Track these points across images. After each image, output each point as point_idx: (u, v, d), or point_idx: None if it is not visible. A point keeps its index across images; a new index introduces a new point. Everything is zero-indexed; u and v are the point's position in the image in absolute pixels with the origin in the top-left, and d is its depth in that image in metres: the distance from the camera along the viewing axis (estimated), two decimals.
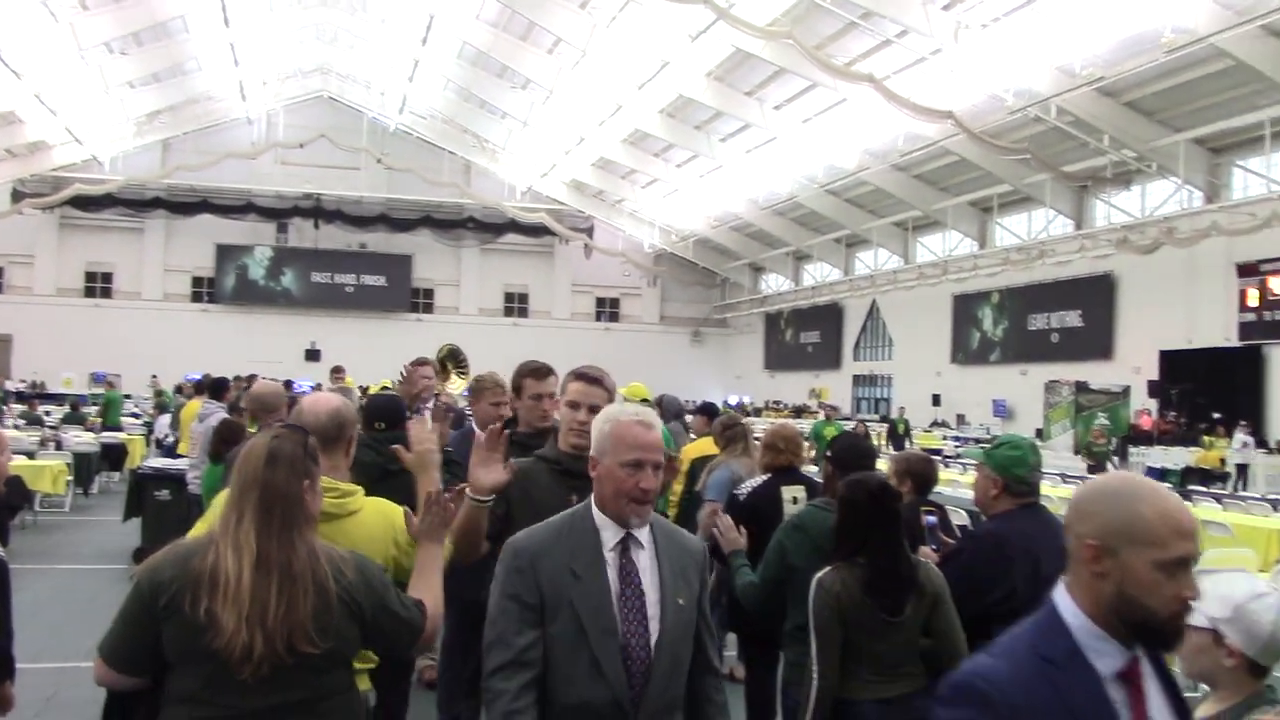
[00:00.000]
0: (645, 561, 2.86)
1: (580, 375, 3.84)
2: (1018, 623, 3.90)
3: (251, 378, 17.13)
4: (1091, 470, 20.36)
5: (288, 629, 2.55)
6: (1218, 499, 15.90)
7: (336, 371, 11.92)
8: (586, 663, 2.75)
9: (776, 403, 45.07)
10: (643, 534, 2.88)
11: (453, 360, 8.87)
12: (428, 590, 3.02)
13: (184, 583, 2.57)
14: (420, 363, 7.63)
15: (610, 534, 2.85)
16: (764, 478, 5.67)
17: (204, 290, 48.36)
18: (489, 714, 2.76)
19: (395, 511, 3.34)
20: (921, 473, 5.13)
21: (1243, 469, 22.45)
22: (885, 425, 30.57)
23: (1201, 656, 2.55)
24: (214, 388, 10.99)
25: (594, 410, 3.50)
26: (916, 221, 37.10)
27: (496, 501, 3.74)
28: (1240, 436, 22.94)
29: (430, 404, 7.21)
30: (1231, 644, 2.51)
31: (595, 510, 2.89)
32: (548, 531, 2.90)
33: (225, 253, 48.07)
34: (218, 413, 9.44)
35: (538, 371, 4.58)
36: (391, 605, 2.77)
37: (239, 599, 2.54)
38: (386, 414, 4.87)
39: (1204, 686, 2.64)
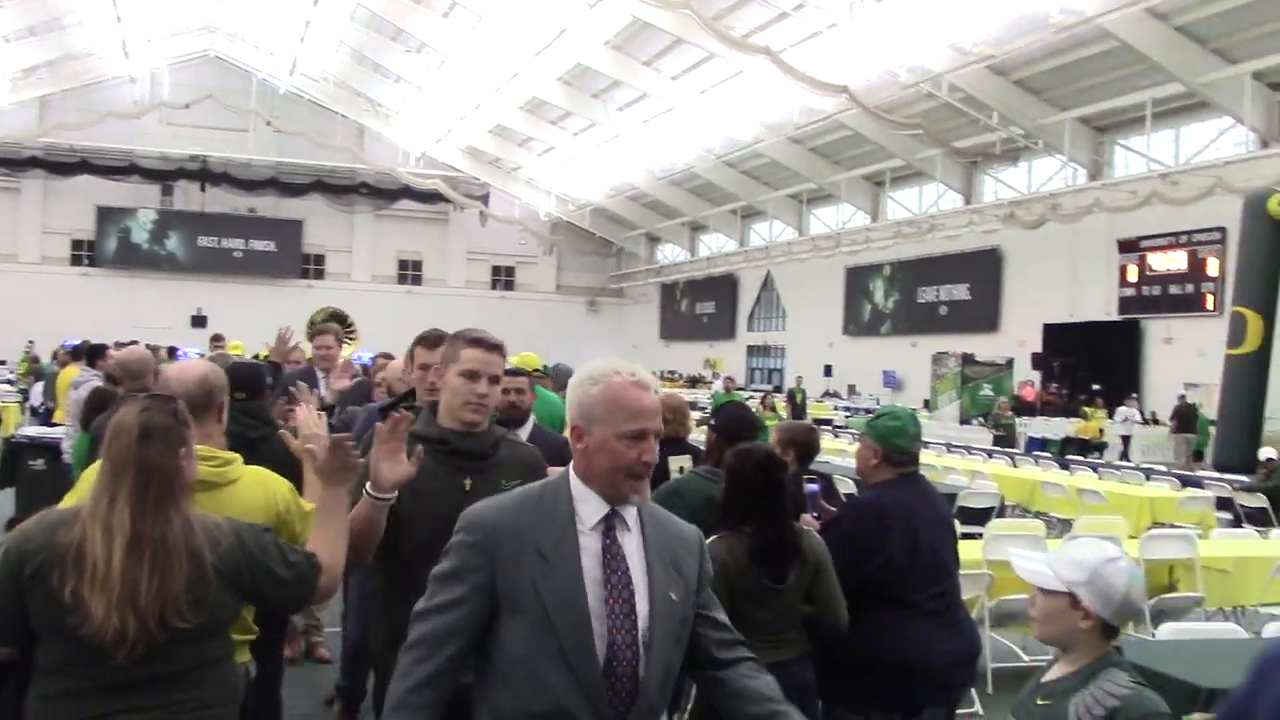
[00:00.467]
0: (632, 546, 2.43)
1: (477, 340, 3.34)
2: (894, 590, 4.03)
3: (133, 344, 16.65)
4: (998, 442, 20.87)
5: (160, 605, 2.50)
6: (1094, 468, 16.45)
7: (216, 339, 11.53)
8: (554, 663, 2.33)
9: (672, 373, 45.30)
10: (630, 514, 2.45)
11: (339, 324, 8.60)
12: (327, 541, 2.94)
13: (50, 554, 2.52)
14: (319, 331, 7.38)
15: (591, 510, 2.42)
16: None
17: (84, 253, 46.84)
18: (390, 689, 2.42)
19: (277, 481, 3.29)
20: (804, 442, 5.19)
21: (1127, 440, 23.20)
22: (785, 396, 30.92)
23: (1058, 620, 2.65)
24: (90, 354, 10.64)
25: (495, 381, 3.34)
26: (811, 194, 37.50)
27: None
28: (1123, 409, 23.69)
29: (333, 375, 6.98)
30: (1088, 606, 2.60)
31: (575, 481, 2.46)
32: (513, 502, 2.49)
33: (107, 215, 46.58)
34: (93, 380, 9.15)
35: (428, 339, 4.33)
36: (273, 568, 2.72)
37: (109, 584, 2.48)
38: (247, 383, 4.75)
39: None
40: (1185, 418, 22.34)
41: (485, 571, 2.38)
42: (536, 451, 3.63)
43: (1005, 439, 21.42)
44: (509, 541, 2.39)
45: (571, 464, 2.48)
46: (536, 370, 9.12)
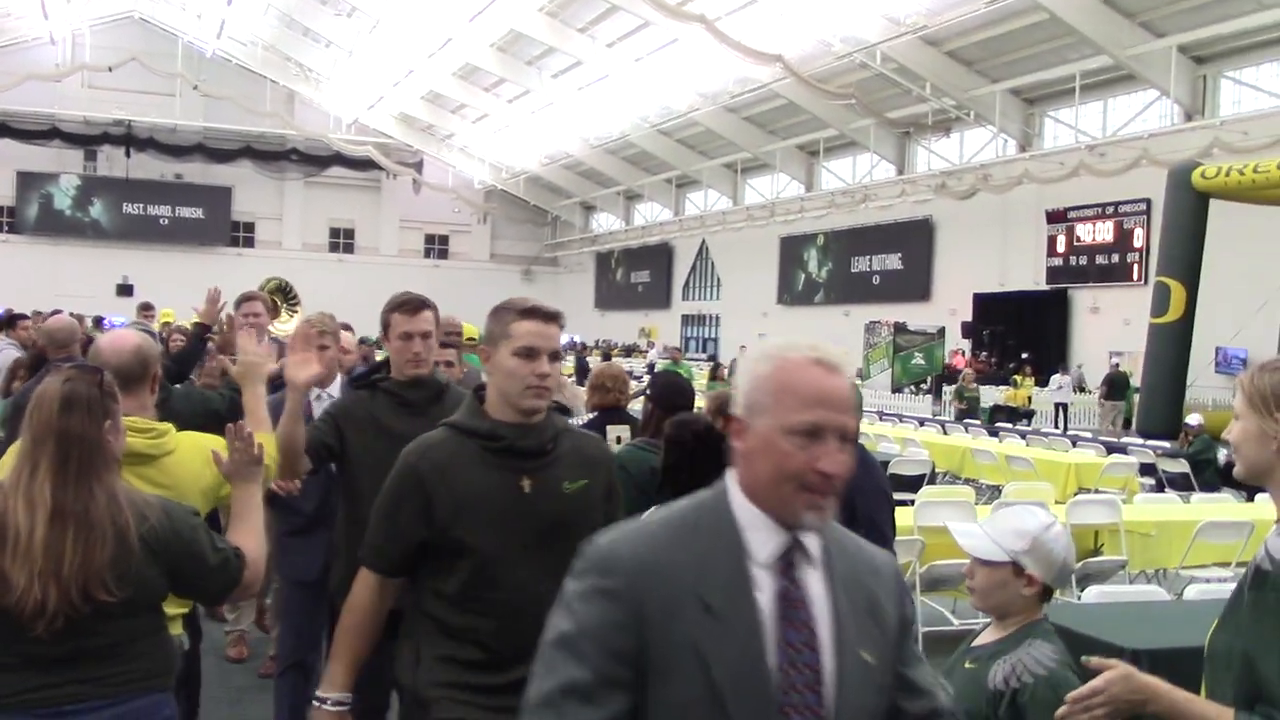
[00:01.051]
0: (818, 588, 1.76)
1: (531, 311, 2.86)
2: None
3: (55, 313, 16.32)
4: (961, 416, 20.81)
5: (83, 579, 2.46)
6: (1022, 435, 16.75)
7: (145, 308, 11.24)
8: None
9: (606, 342, 45.31)
10: (813, 542, 1.77)
11: (282, 295, 8.33)
12: (246, 535, 2.90)
13: None
14: (247, 298, 6.74)
15: (763, 540, 1.75)
16: (590, 416, 5.71)
17: (4, 220, 45.73)
18: None
19: (211, 441, 3.24)
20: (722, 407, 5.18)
21: (1063, 408, 23.55)
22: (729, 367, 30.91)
23: (1001, 589, 2.69)
24: (6, 323, 10.39)
25: (556, 358, 2.88)
26: (746, 163, 37.58)
27: (324, 421, 3.75)
28: (1058, 378, 24.06)
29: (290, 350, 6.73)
30: (1031, 573, 2.65)
31: (739, 498, 1.80)
32: (659, 531, 1.80)
33: (27, 180, 45.50)
34: (8, 349, 8.97)
35: (407, 305, 3.78)
36: (201, 552, 2.67)
37: (30, 555, 2.44)
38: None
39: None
40: (1116, 386, 22.74)
41: (632, 632, 1.68)
42: (602, 442, 3.24)
43: (968, 411, 21.18)
44: (660, 585, 1.70)
45: (733, 473, 1.85)
46: (470, 339, 9.05)
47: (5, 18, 39.71)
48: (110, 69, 41.07)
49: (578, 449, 2.95)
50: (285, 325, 7.70)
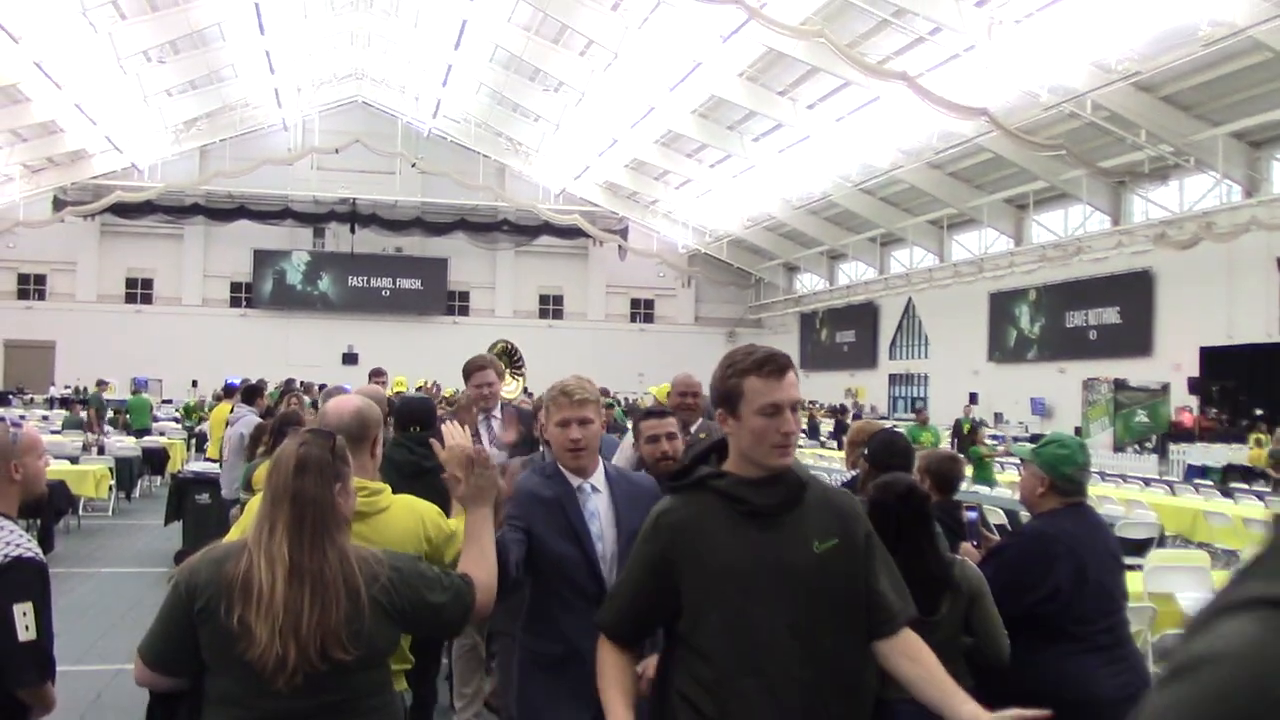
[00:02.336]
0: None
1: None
2: (1061, 622, 3.92)
3: (288, 383, 17.32)
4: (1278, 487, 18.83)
5: (321, 637, 2.58)
6: (1259, 496, 15.75)
7: (377, 374, 11.60)
8: None
9: (813, 402, 44.91)
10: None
11: (508, 359, 8.00)
12: (477, 560, 3.01)
13: (219, 587, 2.62)
14: (478, 367, 6.46)
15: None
16: (851, 475, 5.70)
17: (242, 295, 48.74)
18: None
19: (425, 507, 3.38)
20: (940, 472, 5.06)
21: None
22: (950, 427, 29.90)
23: None
24: (246, 393, 11.18)
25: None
26: (952, 219, 36.88)
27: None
28: None
29: (496, 412, 6.41)
30: None
31: None
32: None
33: (263, 258, 48.45)
34: (249, 416, 9.56)
35: (768, 364, 2.78)
36: (429, 597, 2.78)
37: (273, 610, 2.57)
38: (420, 416, 4.93)
39: None
40: None
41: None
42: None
43: None
44: None
45: None
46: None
47: (244, 108, 42.69)
48: (336, 151, 43.65)
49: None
50: (508, 391, 7.54)
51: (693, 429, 5.96)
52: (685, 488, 2.75)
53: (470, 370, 6.46)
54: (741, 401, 2.67)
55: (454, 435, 3.42)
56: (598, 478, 3.69)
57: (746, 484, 2.66)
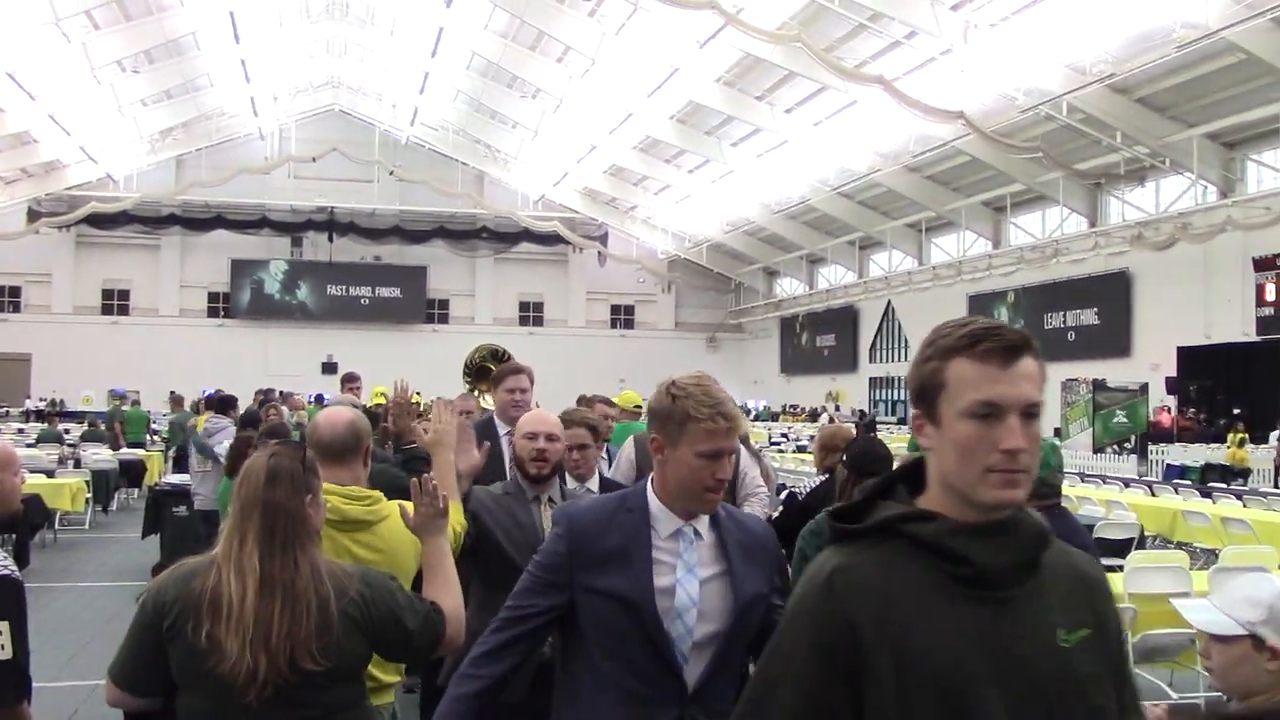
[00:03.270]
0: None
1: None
2: None
3: (268, 392, 17.23)
4: None
5: (290, 647, 2.55)
6: (1237, 495, 15.82)
7: (350, 380, 11.20)
8: None
9: (793, 406, 45.00)
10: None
11: (495, 362, 7.07)
12: (441, 589, 2.97)
13: (186, 604, 2.59)
14: (513, 370, 5.73)
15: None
16: (823, 478, 5.72)
17: (220, 305, 48.58)
18: None
19: None
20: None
21: None
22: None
23: (1243, 666, 2.44)
24: (220, 404, 11.11)
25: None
26: (930, 222, 37.02)
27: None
28: (1276, 434, 22.69)
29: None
30: (1275, 644, 2.39)
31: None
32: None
33: (240, 267, 48.27)
34: (229, 427, 9.50)
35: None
36: (401, 618, 2.75)
37: (242, 623, 2.54)
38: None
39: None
40: None
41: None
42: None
43: None
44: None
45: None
46: (637, 407, 8.97)
47: (220, 117, 42.55)
48: (314, 159, 43.62)
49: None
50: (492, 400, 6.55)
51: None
52: (864, 534, 1.78)
53: (502, 375, 5.68)
54: (942, 396, 1.75)
55: (441, 416, 3.53)
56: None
57: (965, 533, 1.71)
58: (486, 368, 7.19)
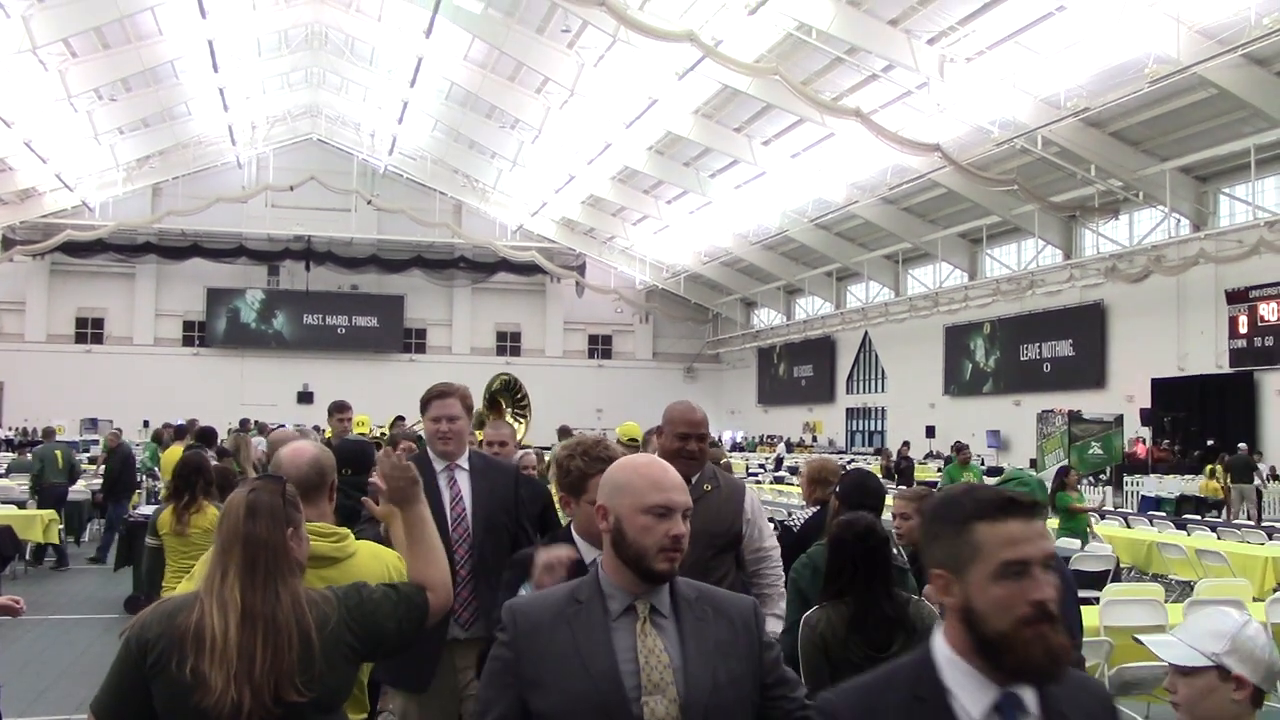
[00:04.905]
0: None
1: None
2: None
3: (243, 423, 17.13)
4: None
5: (274, 680, 2.55)
6: (1212, 528, 15.91)
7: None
8: None
9: (771, 437, 45.01)
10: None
11: (508, 395, 6.82)
12: (426, 560, 3.00)
13: (170, 640, 2.58)
14: (439, 394, 4.50)
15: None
16: (814, 510, 5.72)
17: (195, 334, 48.32)
18: None
19: (388, 552, 3.36)
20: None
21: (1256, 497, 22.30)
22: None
23: (1209, 698, 2.48)
24: (201, 436, 11.00)
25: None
26: (907, 254, 37.25)
27: None
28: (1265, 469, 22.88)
29: (463, 461, 4.66)
30: (1239, 675, 2.45)
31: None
32: None
33: (216, 296, 48.07)
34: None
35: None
36: (384, 622, 2.78)
37: (226, 657, 2.54)
38: (354, 459, 4.88)
39: None
40: None
41: None
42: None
43: None
44: None
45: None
46: (633, 440, 8.95)
47: (198, 145, 42.47)
48: (291, 188, 43.49)
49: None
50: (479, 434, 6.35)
51: (694, 480, 4.08)
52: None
53: (428, 399, 4.63)
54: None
55: (393, 470, 3.37)
56: None
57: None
58: (499, 401, 7.22)
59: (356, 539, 3.42)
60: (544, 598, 2.53)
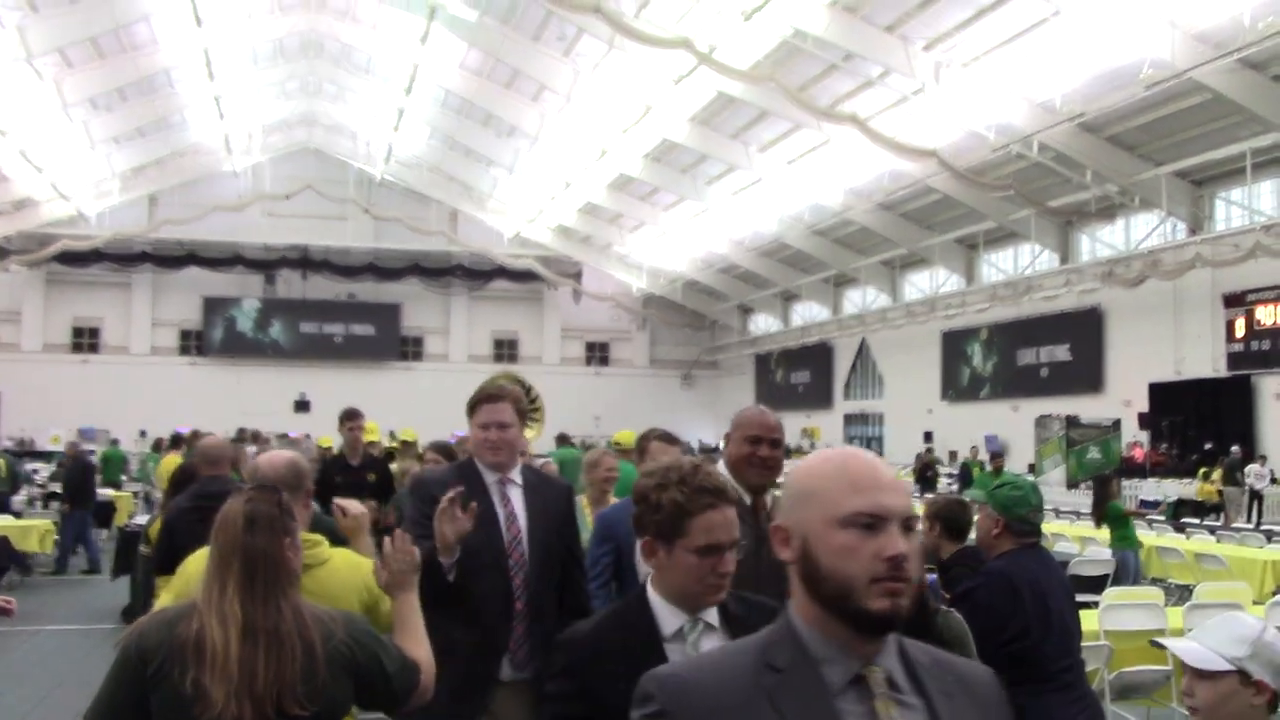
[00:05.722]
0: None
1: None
2: (1027, 662, 3.90)
3: (240, 432, 17.11)
4: None
5: (276, 693, 2.53)
6: (1211, 531, 15.90)
7: (351, 418, 9.03)
8: None
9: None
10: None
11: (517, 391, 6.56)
12: (414, 642, 2.97)
13: (170, 650, 2.55)
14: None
15: None
16: None
17: (192, 343, 48.22)
18: None
19: (362, 561, 3.35)
20: (951, 517, 4.88)
21: (1256, 500, 22.31)
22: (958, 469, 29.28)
23: (1229, 702, 2.47)
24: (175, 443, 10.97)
25: None
26: (903, 260, 37.26)
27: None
28: (1253, 468, 22.86)
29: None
30: (1260, 680, 2.45)
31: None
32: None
33: (213, 305, 47.98)
34: None
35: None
36: (384, 663, 2.75)
37: (227, 671, 2.52)
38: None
39: None
40: None
41: None
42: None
43: None
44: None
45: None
46: (624, 447, 8.90)
47: (194, 154, 42.43)
48: (287, 197, 43.45)
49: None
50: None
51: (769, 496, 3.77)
52: None
53: (475, 403, 4.25)
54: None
55: (351, 507, 3.48)
56: None
57: None
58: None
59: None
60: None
